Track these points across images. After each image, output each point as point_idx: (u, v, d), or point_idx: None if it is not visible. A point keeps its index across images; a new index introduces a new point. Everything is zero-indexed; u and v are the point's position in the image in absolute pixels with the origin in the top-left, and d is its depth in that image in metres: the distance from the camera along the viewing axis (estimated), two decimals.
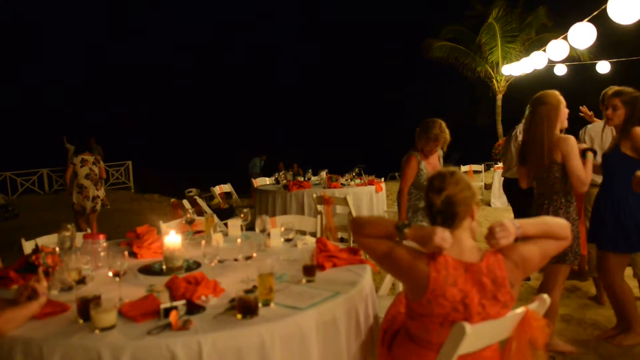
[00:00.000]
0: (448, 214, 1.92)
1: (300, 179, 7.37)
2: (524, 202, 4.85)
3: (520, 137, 4.97)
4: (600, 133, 4.17)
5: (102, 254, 2.61)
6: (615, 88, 3.38)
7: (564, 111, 3.16)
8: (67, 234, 2.76)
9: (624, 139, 3.23)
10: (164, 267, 2.58)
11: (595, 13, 4.57)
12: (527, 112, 3.25)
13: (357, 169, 7.54)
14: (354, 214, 5.74)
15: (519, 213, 4.99)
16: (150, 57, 49.19)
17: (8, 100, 35.73)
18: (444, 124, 4.37)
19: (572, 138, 3.07)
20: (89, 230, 5.75)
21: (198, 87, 48.00)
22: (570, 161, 3.01)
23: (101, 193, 7.17)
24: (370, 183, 6.86)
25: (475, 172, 11.15)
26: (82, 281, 2.39)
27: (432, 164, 4.46)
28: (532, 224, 1.95)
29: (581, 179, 3.00)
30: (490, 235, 1.89)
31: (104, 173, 7.37)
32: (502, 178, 5.35)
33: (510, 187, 5.10)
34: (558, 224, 1.97)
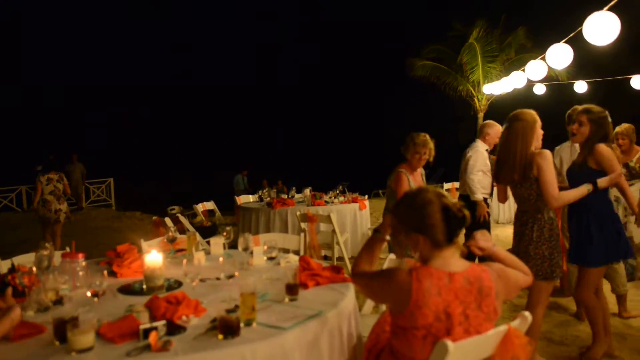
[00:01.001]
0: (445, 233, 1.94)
1: (284, 196, 7.35)
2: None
3: (485, 154, 5.13)
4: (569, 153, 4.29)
5: (80, 273, 2.56)
6: (585, 106, 3.44)
7: (539, 131, 3.21)
8: (45, 253, 2.71)
9: (589, 155, 3.28)
10: (144, 286, 2.54)
11: (571, 34, 4.69)
12: (503, 128, 3.32)
13: (340, 187, 7.54)
14: (337, 231, 5.73)
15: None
16: (133, 73, 48.95)
17: None
18: (428, 135, 4.52)
19: (548, 152, 3.11)
20: (51, 243, 5.96)
21: (180, 103, 47.87)
22: (544, 176, 3.04)
23: (64, 207, 7.95)
24: (354, 200, 6.88)
25: (457, 189, 11.24)
26: (59, 302, 2.34)
27: (417, 181, 4.54)
28: (504, 250, 2.17)
29: (553, 194, 3.02)
30: (472, 238, 2.11)
31: (68, 189, 8.25)
32: (458, 195, 5.44)
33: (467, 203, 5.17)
34: (520, 262, 2.15)
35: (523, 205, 3.25)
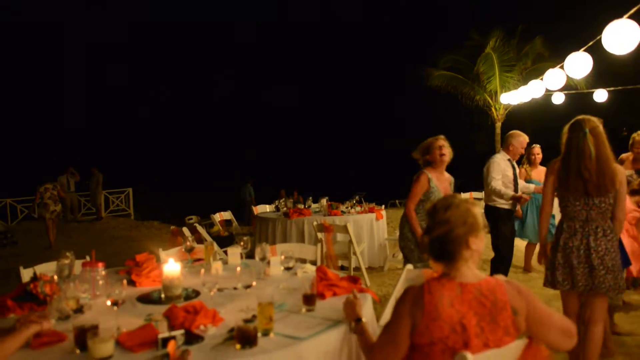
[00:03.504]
0: (441, 252, 1.90)
1: (301, 206, 7.36)
2: (507, 227, 5.10)
3: (502, 164, 5.04)
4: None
5: (100, 282, 2.59)
6: None
7: None
8: (66, 261, 2.75)
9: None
10: (162, 295, 2.56)
11: (590, 43, 4.64)
12: (579, 135, 3.09)
13: (357, 197, 7.53)
14: (354, 241, 5.72)
15: (499, 239, 5.07)
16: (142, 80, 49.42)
17: (11, 124, 35.99)
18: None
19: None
20: (50, 234, 11.02)
21: (200, 113, 48.31)
22: (623, 189, 3.07)
23: (58, 208, 11.12)
24: (371, 210, 6.85)
25: (476, 199, 11.15)
26: (79, 310, 2.37)
27: (444, 185, 4.33)
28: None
29: (626, 209, 3.09)
30: None
31: (62, 193, 11.74)
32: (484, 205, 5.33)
33: (492, 214, 5.10)
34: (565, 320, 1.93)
35: (587, 214, 3.11)
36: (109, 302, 2.29)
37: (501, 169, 5.09)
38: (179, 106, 49.77)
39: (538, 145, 6.22)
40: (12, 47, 41.28)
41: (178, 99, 49.39)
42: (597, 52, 4.43)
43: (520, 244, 6.49)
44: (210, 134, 45.29)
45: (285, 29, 57.41)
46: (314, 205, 7.58)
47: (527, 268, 6.34)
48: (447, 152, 4.32)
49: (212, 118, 47.92)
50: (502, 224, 5.06)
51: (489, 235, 5.16)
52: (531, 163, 6.18)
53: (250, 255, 3.54)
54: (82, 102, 43.95)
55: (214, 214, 8.00)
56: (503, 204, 5.05)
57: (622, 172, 3.10)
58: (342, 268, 6.07)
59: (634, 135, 4.83)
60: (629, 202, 3.97)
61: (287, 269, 3.06)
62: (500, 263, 5.05)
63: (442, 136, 4.40)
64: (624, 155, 4.91)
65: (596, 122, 3.13)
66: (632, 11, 3.67)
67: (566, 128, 3.23)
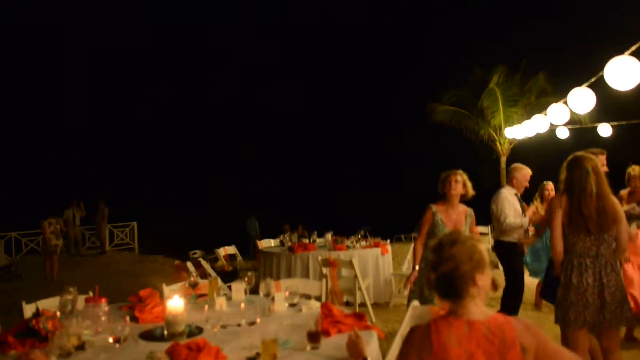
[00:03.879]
0: (447, 289, 1.86)
1: (306, 240, 7.34)
2: (520, 261, 5.14)
3: (510, 199, 5.01)
4: None
5: (103, 318, 2.57)
6: None
7: None
8: (69, 297, 2.73)
9: None
10: (165, 332, 2.53)
11: (593, 79, 4.68)
12: (582, 174, 3.12)
13: (362, 231, 7.49)
14: (359, 277, 5.66)
15: (511, 274, 5.02)
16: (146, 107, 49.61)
17: (17, 157, 36.26)
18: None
19: None
20: (51, 268, 11.18)
21: (201, 144, 48.39)
22: (625, 224, 3.10)
23: (60, 242, 11.54)
24: (376, 245, 6.81)
25: (482, 234, 11.06)
26: (81, 347, 2.34)
27: (454, 220, 4.31)
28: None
29: (628, 241, 3.13)
30: None
31: (64, 228, 12.03)
32: (493, 240, 5.30)
33: (503, 248, 5.06)
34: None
35: (598, 249, 3.11)
36: (111, 340, 2.26)
37: (511, 204, 5.03)
38: (178, 107, 50.01)
39: (551, 182, 6.11)
40: (11, 46, 41.66)
41: (177, 100, 49.60)
42: (601, 86, 4.47)
43: (528, 280, 6.39)
44: (210, 134, 45.32)
45: (285, 28, 57.51)
46: (318, 240, 7.54)
47: (537, 304, 6.22)
48: (458, 187, 4.35)
49: (212, 119, 48.00)
50: (514, 259, 5.01)
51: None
52: (543, 200, 5.99)
53: (254, 290, 3.50)
54: (83, 129, 43.86)
55: (218, 248, 7.97)
56: (515, 239, 4.98)
57: (620, 207, 3.18)
58: (347, 304, 5.99)
59: (629, 170, 5.00)
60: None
61: (292, 305, 3.02)
62: (513, 297, 4.96)
63: (459, 170, 4.44)
64: (622, 192, 4.96)
65: (595, 159, 3.18)
66: (632, 48, 3.71)
67: (565, 164, 3.25)
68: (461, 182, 4.36)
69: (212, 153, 46.66)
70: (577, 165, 3.16)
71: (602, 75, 3.88)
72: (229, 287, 3.73)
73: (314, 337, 2.32)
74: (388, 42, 55.51)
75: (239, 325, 2.66)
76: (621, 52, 3.73)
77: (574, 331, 3.19)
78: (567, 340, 3.19)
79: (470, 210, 4.48)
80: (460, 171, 4.45)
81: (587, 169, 3.09)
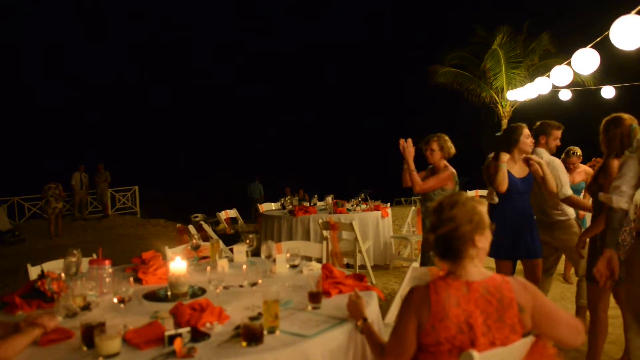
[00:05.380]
0: (446, 250, 1.88)
1: (306, 204, 7.37)
2: None
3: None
4: None
5: (107, 279, 2.61)
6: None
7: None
8: (73, 259, 2.76)
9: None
10: (169, 293, 2.57)
11: (598, 39, 4.60)
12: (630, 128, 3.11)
13: (363, 194, 7.53)
14: (359, 239, 5.72)
15: None
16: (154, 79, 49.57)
17: (20, 123, 36.13)
18: (437, 135, 4.43)
19: None
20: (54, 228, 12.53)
21: (202, 111, 48.33)
22: None
23: (59, 205, 12.77)
24: (376, 208, 6.85)
25: (482, 196, 11.12)
26: (86, 307, 2.38)
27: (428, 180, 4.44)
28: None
29: None
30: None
31: (62, 193, 13.08)
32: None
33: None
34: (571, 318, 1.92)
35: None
36: (115, 300, 2.30)
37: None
38: (180, 69, 49.74)
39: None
40: (12, 44, 41.31)
41: (181, 93, 49.35)
42: (605, 48, 4.39)
43: None
44: (213, 131, 45.32)
45: (286, 29, 57.24)
46: (319, 203, 7.58)
47: (566, 278, 5.77)
48: (433, 157, 4.38)
49: (215, 83, 47.74)
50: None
51: None
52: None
53: (256, 253, 3.54)
54: (85, 95, 43.68)
55: (220, 211, 8.02)
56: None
57: None
58: (348, 266, 6.08)
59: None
60: None
61: (293, 266, 3.06)
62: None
63: (433, 135, 4.40)
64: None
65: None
66: (639, 7, 3.63)
67: (607, 123, 3.22)
68: (431, 151, 4.35)
69: (214, 116, 46.50)
70: (622, 122, 3.16)
71: (607, 36, 3.82)
72: (231, 250, 3.77)
73: (315, 298, 2.36)
74: (389, 3, 54.43)
75: (241, 286, 2.71)
76: (628, 12, 3.66)
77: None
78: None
79: (454, 172, 4.41)
80: (427, 138, 4.39)
81: (633, 125, 3.10)
